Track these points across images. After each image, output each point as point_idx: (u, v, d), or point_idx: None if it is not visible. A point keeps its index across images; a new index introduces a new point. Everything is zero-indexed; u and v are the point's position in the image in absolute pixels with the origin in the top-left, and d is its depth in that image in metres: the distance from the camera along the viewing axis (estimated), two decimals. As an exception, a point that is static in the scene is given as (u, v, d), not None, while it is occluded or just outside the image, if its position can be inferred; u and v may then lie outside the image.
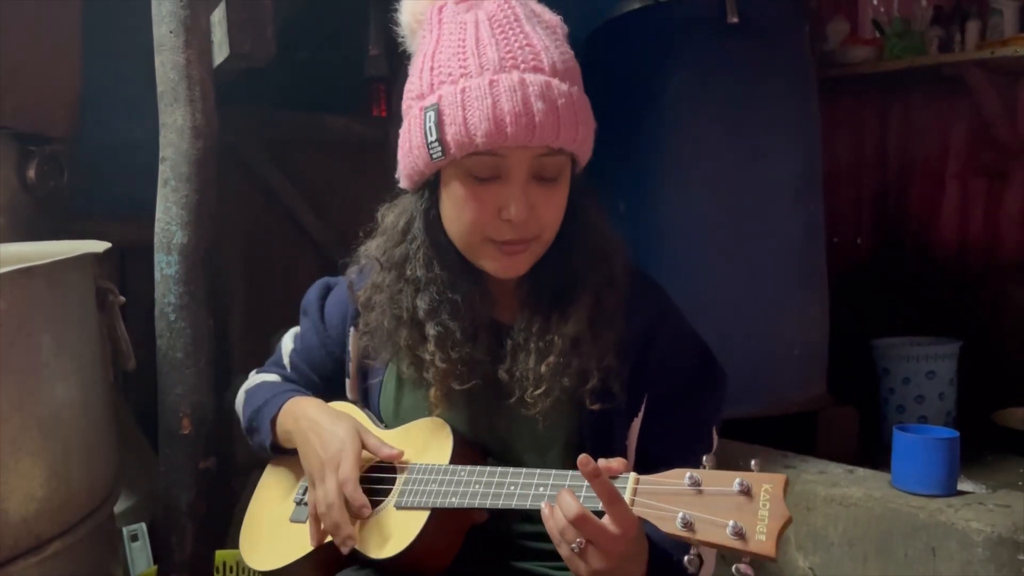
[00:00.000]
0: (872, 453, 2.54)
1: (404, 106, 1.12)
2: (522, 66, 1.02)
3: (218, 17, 1.91)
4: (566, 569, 1.11)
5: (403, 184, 1.17)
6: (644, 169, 2.46)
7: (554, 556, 1.13)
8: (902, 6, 3.33)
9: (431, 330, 1.12)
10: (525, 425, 1.12)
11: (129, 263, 2.33)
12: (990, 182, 3.25)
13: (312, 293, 1.36)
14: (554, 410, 1.10)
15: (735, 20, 2.35)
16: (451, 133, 1.02)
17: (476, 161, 1.03)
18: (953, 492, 1.96)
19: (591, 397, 1.09)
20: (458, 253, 1.12)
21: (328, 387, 1.31)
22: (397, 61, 3.10)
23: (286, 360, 1.37)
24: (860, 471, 2.17)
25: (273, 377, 1.36)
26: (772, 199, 2.52)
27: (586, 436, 1.12)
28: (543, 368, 1.09)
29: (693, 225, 2.47)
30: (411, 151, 1.10)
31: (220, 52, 1.92)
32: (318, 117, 2.76)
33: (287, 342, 1.38)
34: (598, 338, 1.10)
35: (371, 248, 1.20)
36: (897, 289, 3.48)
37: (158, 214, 1.85)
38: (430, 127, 1.04)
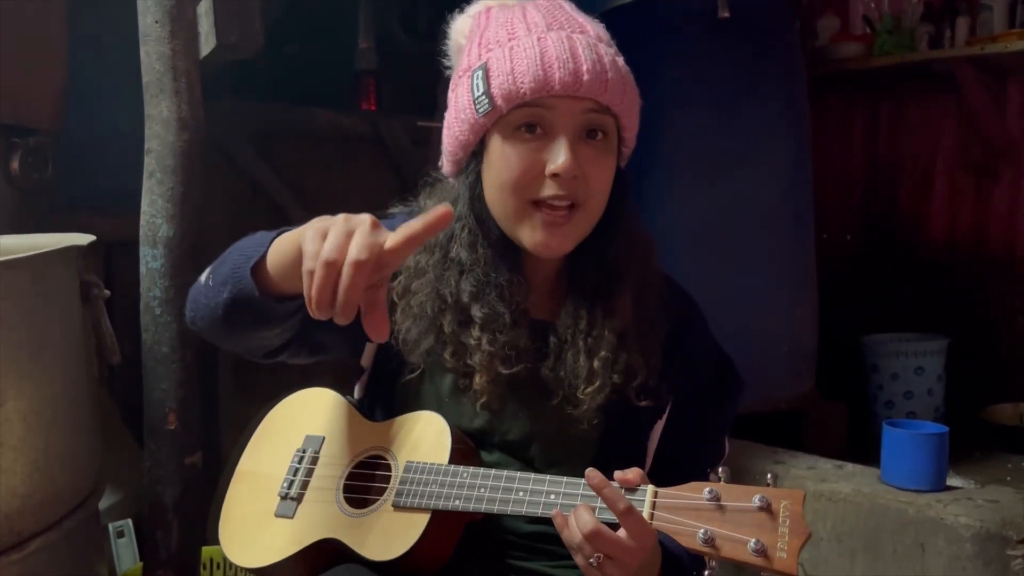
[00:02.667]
0: (861, 449, 2.55)
1: (450, 89, 1.12)
2: (567, 28, 1.05)
3: (205, 8, 1.90)
4: (565, 568, 1.11)
5: (446, 169, 1.16)
6: (632, 165, 2.45)
7: (553, 556, 1.12)
8: (892, 2, 3.33)
9: (477, 312, 1.09)
10: (566, 425, 1.10)
11: (114, 256, 2.30)
12: (979, 179, 3.26)
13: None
14: (598, 414, 1.09)
15: (726, 15, 2.34)
16: (497, 84, 1.02)
17: (523, 114, 1.03)
18: (942, 487, 1.97)
19: (638, 395, 1.09)
20: (501, 234, 1.10)
21: (336, 333, 1.12)
22: (386, 55, 3.09)
23: None
24: (849, 466, 2.17)
25: None
26: (761, 195, 2.51)
27: (617, 436, 1.12)
28: (595, 363, 1.07)
29: (682, 221, 2.46)
30: (456, 119, 1.08)
31: (207, 43, 1.91)
32: (305, 110, 2.74)
33: None
34: (642, 336, 1.10)
35: None
36: (886, 285, 3.49)
37: (143, 207, 1.84)
38: (477, 84, 1.04)
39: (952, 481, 2.03)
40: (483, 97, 1.03)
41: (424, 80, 2.68)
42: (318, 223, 0.89)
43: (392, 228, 1.19)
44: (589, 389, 1.07)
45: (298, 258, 0.89)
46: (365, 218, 0.87)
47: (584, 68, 1.01)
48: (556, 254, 1.08)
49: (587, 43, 1.04)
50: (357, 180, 2.79)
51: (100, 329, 1.61)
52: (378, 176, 2.81)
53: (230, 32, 1.87)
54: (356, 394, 1.26)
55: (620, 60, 1.07)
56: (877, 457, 2.06)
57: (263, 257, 1.00)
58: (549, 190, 1.03)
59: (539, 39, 1.02)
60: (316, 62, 3.09)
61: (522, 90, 1.01)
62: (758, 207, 2.51)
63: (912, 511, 1.89)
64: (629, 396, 1.09)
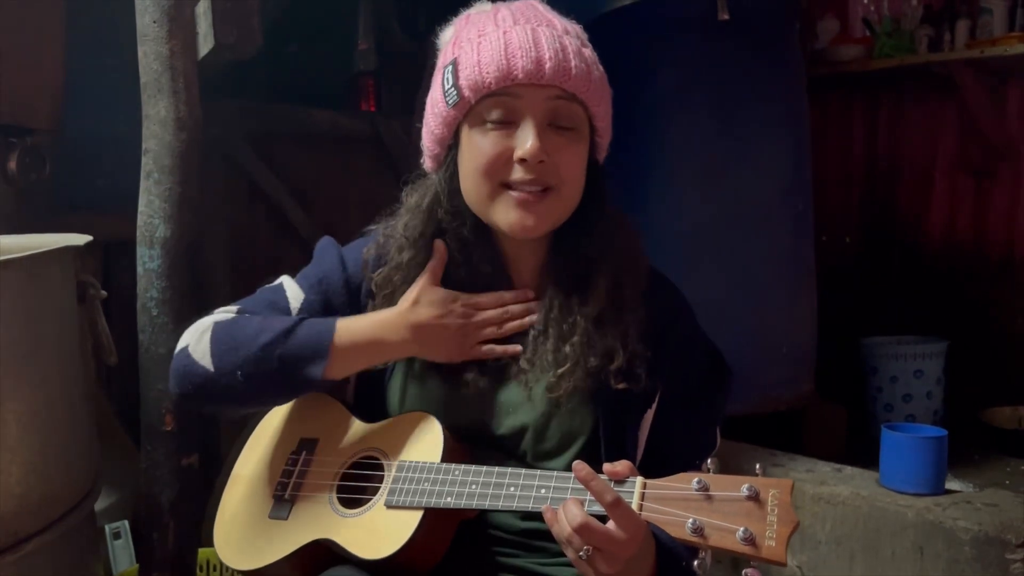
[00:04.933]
0: (859, 451, 2.54)
1: (431, 88, 1.16)
2: (533, 22, 1.08)
3: (203, 8, 1.89)
4: (557, 565, 1.11)
5: (427, 164, 1.20)
6: (632, 167, 2.45)
7: (545, 552, 1.12)
8: (892, 5, 3.33)
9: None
10: (552, 414, 1.12)
11: (112, 257, 2.30)
12: (978, 181, 3.26)
13: (327, 241, 1.27)
14: (575, 395, 1.10)
15: (726, 17, 2.34)
16: (465, 76, 1.06)
17: (490, 104, 1.07)
18: (941, 491, 1.96)
19: (616, 377, 1.10)
20: (477, 223, 1.13)
21: None
22: (386, 56, 3.09)
23: (295, 305, 1.20)
24: (848, 469, 2.17)
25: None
26: (761, 197, 2.51)
27: (607, 428, 1.12)
28: (567, 348, 1.10)
29: (682, 223, 2.46)
30: (431, 114, 1.14)
31: (205, 43, 1.90)
32: (304, 111, 2.74)
33: (290, 287, 1.22)
34: (620, 319, 1.11)
35: (394, 227, 1.20)
36: (885, 287, 3.49)
37: (140, 207, 1.83)
38: (447, 78, 1.09)
39: (951, 484, 2.03)
40: (452, 90, 1.08)
41: (423, 81, 2.68)
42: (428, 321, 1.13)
43: (345, 256, 1.22)
44: (561, 371, 1.09)
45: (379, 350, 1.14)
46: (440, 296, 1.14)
47: (547, 56, 1.04)
48: (531, 234, 1.10)
49: (551, 34, 1.07)
50: (356, 180, 2.79)
51: (97, 330, 1.60)
52: (377, 176, 2.81)
53: (228, 32, 1.86)
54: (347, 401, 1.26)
55: (587, 51, 1.10)
56: (876, 460, 2.06)
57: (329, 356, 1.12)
58: (518, 174, 1.07)
59: (505, 33, 1.06)
60: (315, 63, 3.08)
61: (487, 80, 1.05)
62: (757, 209, 2.50)
63: (911, 514, 1.89)
64: (608, 380, 1.10)
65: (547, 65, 1.04)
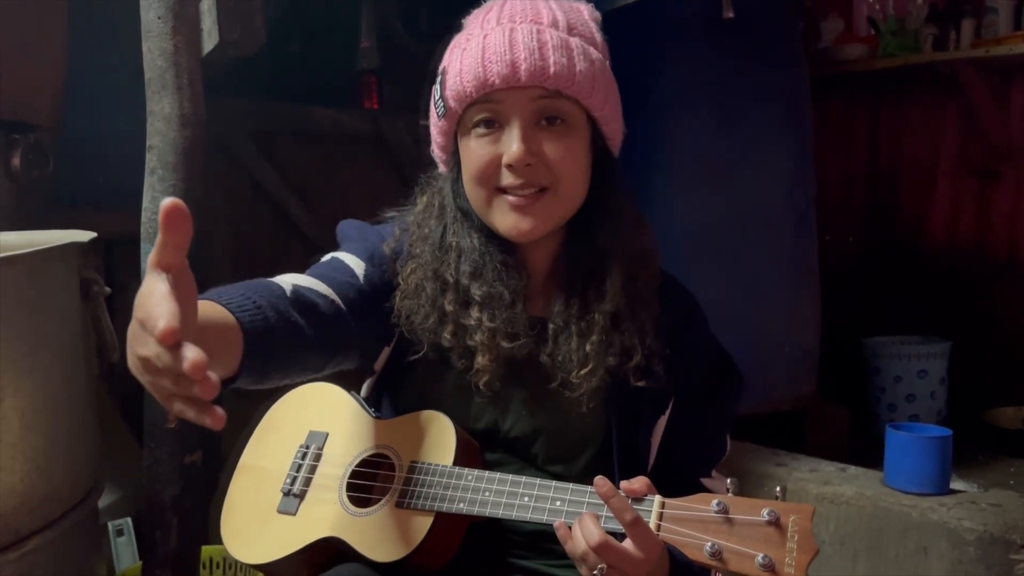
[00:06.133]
0: (860, 452, 2.54)
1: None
2: (517, 20, 1.06)
3: (207, 4, 1.89)
4: (565, 567, 1.10)
5: (441, 169, 1.20)
6: (634, 167, 2.45)
7: (553, 554, 1.12)
8: (897, 4, 3.32)
9: (477, 292, 1.10)
10: (568, 415, 1.10)
11: (116, 253, 2.29)
12: (981, 181, 3.25)
13: (356, 222, 1.24)
14: (594, 397, 1.08)
15: (731, 15, 2.34)
16: (449, 87, 1.06)
17: (474, 112, 1.06)
18: (945, 491, 1.96)
19: (635, 374, 1.08)
20: (484, 223, 1.12)
21: (367, 325, 1.13)
22: (388, 53, 3.08)
23: (359, 272, 1.13)
24: (852, 469, 2.17)
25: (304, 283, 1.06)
26: (763, 197, 2.51)
27: (619, 433, 1.11)
28: (588, 347, 1.08)
29: (684, 223, 2.45)
30: (432, 124, 1.14)
31: (209, 40, 1.90)
32: (307, 109, 2.73)
33: (347, 258, 1.15)
34: (637, 315, 1.10)
35: (409, 218, 1.19)
36: (888, 287, 3.48)
37: (144, 203, 1.83)
38: (437, 89, 1.09)
39: (955, 484, 2.02)
40: (440, 101, 1.08)
41: (426, 79, 2.67)
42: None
43: (383, 235, 1.18)
44: (583, 372, 1.07)
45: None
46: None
47: (521, 58, 1.02)
48: (529, 237, 1.08)
49: (530, 31, 1.04)
50: (358, 178, 2.78)
51: (100, 326, 1.60)
52: (379, 175, 2.81)
53: (232, 29, 1.86)
54: (363, 392, 1.25)
55: (575, 40, 1.06)
56: (878, 460, 2.05)
57: None
58: (508, 179, 1.06)
59: (485, 37, 1.04)
60: (318, 60, 3.08)
61: (467, 90, 1.04)
62: (760, 208, 2.50)
63: (915, 514, 1.89)
64: (626, 377, 1.08)
65: (522, 67, 1.01)
